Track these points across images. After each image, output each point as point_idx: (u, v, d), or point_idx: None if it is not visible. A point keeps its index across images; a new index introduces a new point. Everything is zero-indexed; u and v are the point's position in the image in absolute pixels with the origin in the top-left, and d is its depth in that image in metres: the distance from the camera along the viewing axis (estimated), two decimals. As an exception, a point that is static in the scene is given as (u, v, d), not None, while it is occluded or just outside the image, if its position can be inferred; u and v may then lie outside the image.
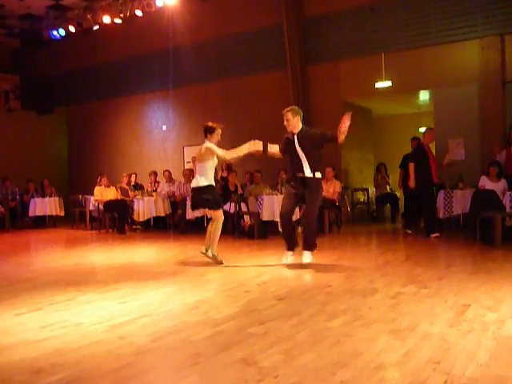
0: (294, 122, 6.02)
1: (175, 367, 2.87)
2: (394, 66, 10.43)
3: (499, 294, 4.29)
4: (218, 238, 6.44)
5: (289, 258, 6.09)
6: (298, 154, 5.95)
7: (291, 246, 6.15)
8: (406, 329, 3.39)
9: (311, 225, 5.98)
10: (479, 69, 9.73)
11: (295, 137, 6.01)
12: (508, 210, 7.45)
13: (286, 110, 6.11)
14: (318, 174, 5.97)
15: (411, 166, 8.59)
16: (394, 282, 4.90)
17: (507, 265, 5.83)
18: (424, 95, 11.85)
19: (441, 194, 8.81)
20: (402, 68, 10.50)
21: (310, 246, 5.99)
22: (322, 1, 11.30)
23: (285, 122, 6.07)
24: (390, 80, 10.36)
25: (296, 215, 9.39)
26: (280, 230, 6.40)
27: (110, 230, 10.92)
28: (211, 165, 6.41)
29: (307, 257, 5.94)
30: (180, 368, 2.84)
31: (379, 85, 10.48)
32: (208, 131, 6.52)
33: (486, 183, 7.99)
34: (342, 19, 11.06)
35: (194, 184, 6.38)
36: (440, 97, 10.65)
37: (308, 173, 5.91)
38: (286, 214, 6.08)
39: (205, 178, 6.30)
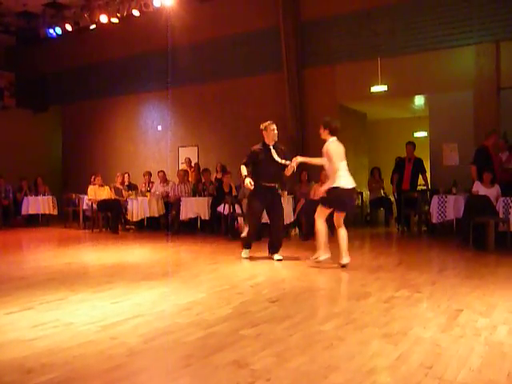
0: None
1: (167, 368, 2.85)
2: (389, 71, 10.45)
3: (492, 300, 4.30)
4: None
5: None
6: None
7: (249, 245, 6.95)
8: (399, 333, 3.39)
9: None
10: (474, 75, 9.77)
11: (271, 147, 6.67)
12: (501, 215, 7.48)
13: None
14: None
15: (473, 168, 8.24)
16: (387, 286, 4.90)
17: (500, 270, 5.86)
18: (419, 100, 11.90)
19: (434, 199, 8.84)
20: (397, 73, 10.54)
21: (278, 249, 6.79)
22: (318, 5, 11.32)
23: (276, 132, 6.74)
24: (385, 84, 10.38)
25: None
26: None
27: (103, 230, 10.88)
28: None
29: (279, 256, 6.68)
30: (172, 369, 2.82)
31: (375, 89, 10.51)
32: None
33: (479, 189, 8.02)
34: (339, 23, 11.08)
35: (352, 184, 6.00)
36: (435, 102, 10.69)
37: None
38: None
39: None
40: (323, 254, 5.97)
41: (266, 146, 6.68)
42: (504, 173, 8.47)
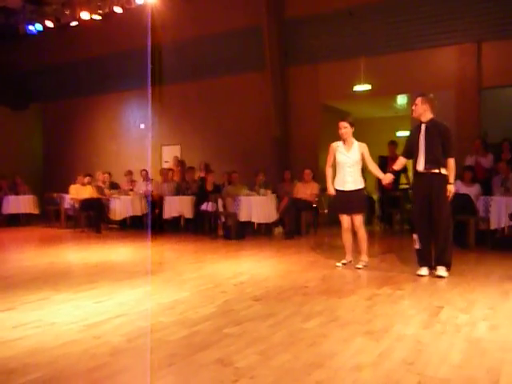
0: (421, 110, 5.50)
1: (151, 367, 2.85)
2: (372, 70, 10.53)
3: (472, 297, 4.37)
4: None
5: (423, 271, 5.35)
6: (418, 146, 5.40)
7: (423, 261, 5.40)
8: (381, 330, 3.43)
9: (443, 233, 5.21)
10: (456, 75, 9.91)
11: (422, 126, 5.51)
12: (481, 214, 7.58)
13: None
14: (444, 171, 5.26)
15: None
16: (370, 284, 4.96)
17: (480, 268, 5.95)
18: (402, 99, 11.99)
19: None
20: (380, 72, 10.61)
21: (443, 260, 5.22)
22: (301, 4, 11.37)
23: (412, 107, 5.54)
24: (368, 83, 10.46)
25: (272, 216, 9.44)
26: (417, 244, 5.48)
27: (86, 229, 10.78)
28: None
29: (441, 271, 5.21)
30: (155, 368, 2.82)
31: (358, 88, 10.58)
32: None
33: (460, 187, 8.12)
34: (322, 22, 11.12)
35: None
36: (417, 101, 10.78)
37: (422, 168, 5.32)
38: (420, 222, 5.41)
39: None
40: None
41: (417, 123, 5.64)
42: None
